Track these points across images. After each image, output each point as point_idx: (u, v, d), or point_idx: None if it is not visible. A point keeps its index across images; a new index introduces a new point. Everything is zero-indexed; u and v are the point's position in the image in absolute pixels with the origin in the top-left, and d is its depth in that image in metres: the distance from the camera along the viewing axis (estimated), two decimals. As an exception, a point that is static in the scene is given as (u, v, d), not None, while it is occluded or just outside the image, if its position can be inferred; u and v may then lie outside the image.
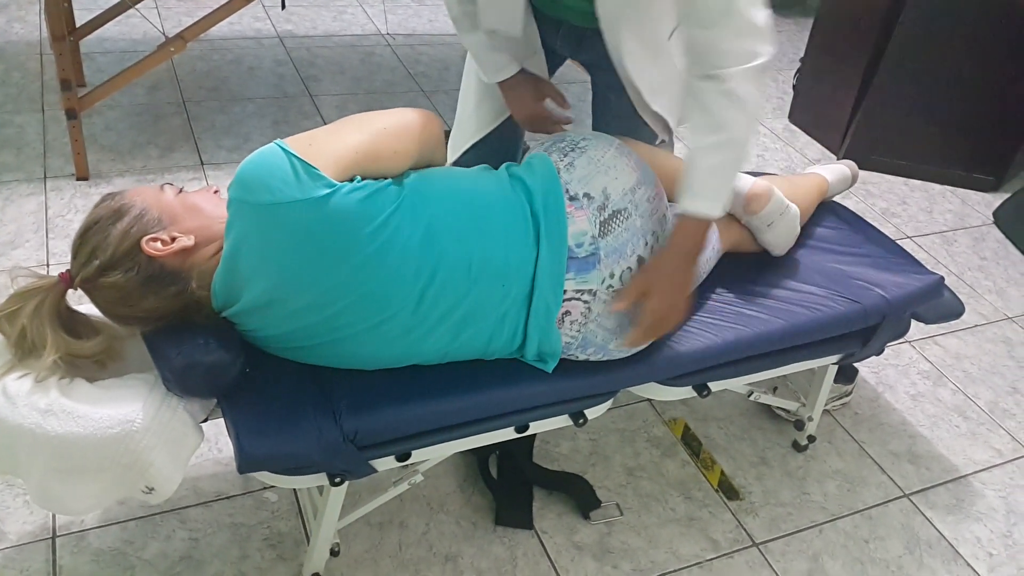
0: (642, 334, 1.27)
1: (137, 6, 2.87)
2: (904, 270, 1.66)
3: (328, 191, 1.07)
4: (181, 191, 1.18)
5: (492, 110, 1.61)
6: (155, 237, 1.10)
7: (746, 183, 1.56)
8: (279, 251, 1.08)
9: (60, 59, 2.20)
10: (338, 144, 1.13)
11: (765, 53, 1.18)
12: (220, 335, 1.13)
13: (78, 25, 2.71)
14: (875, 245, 1.74)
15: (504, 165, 1.32)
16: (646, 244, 1.26)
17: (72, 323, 1.16)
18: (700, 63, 1.19)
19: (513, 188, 1.24)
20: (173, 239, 1.11)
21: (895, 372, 2.11)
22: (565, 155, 1.28)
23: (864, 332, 1.59)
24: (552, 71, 1.59)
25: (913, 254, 1.75)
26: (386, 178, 1.16)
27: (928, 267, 1.69)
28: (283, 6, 2.95)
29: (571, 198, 1.23)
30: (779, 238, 1.61)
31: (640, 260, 1.25)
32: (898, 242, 1.75)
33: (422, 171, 1.23)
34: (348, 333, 1.15)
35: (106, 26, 2.78)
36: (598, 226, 1.22)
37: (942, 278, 1.65)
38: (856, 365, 1.98)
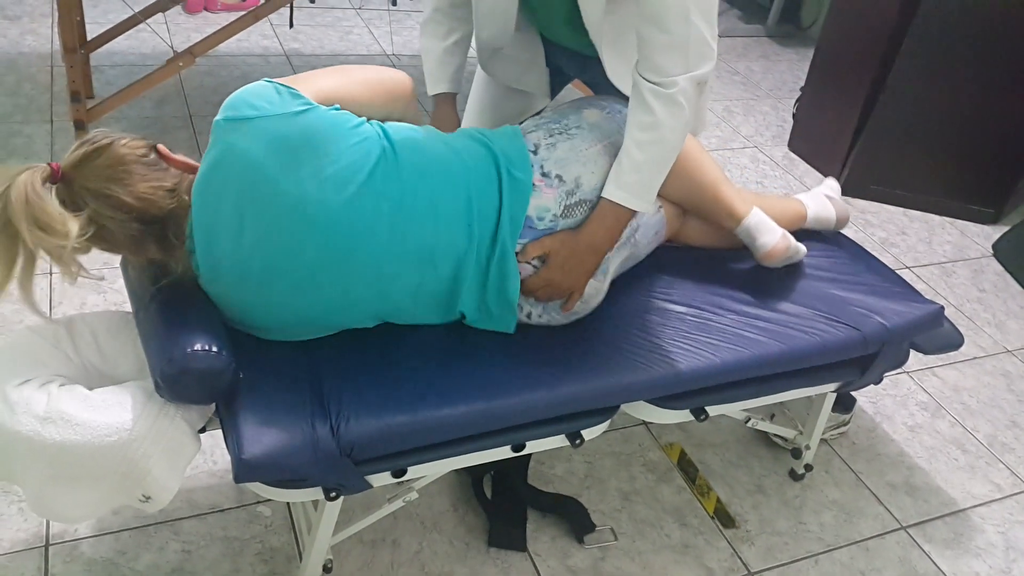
0: (534, 289, 1.31)
1: (147, 21, 2.90)
2: (904, 299, 1.66)
3: (307, 107, 1.16)
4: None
5: (493, 123, 1.64)
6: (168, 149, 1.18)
7: (767, 240, 1.58)
8: (257, 159, 1.12)
9: (71, 71, 2.22)
10: (321, 83, 1.23)
11: (709, 67, 1.25)
12: (212, 341, 1.13)
13: (89, 38, 2.74)
14: (875, 274, 1.74)
15: (466, 130, 1.37)
16: None
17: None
18: (649, 64, 1.24)
19: (482, 147, 1.30)
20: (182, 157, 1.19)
21: (893, 403, 2.10)
22: (551, 135, 1.33)
23: (863, 360, 1.59)
24: (556, 90, 1.62)
25: (912, 284, 1.75)
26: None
27: (925, 296, 1.70)
28: (291, 25, 2.99)
29: (543, 174, 1.29)
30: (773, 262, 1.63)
31: None
32: (897, 272, 1.75)
33: (390, 122, 1.30)
34: (319, 267, 1.16)
35: (116, 40, 2.81)
36: (562, 208, 1.29)
37: (942, 308, 1.65)
38: (854, 394, 1.97)
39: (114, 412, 1.09)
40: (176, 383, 1.10)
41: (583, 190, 1.29)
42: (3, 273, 1.05)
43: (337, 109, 1.20)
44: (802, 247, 1.62)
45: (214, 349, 1.12)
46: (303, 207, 1.14)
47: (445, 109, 1.58)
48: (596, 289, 1.37)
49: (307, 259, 1.16)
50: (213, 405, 1.20)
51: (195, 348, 1.10)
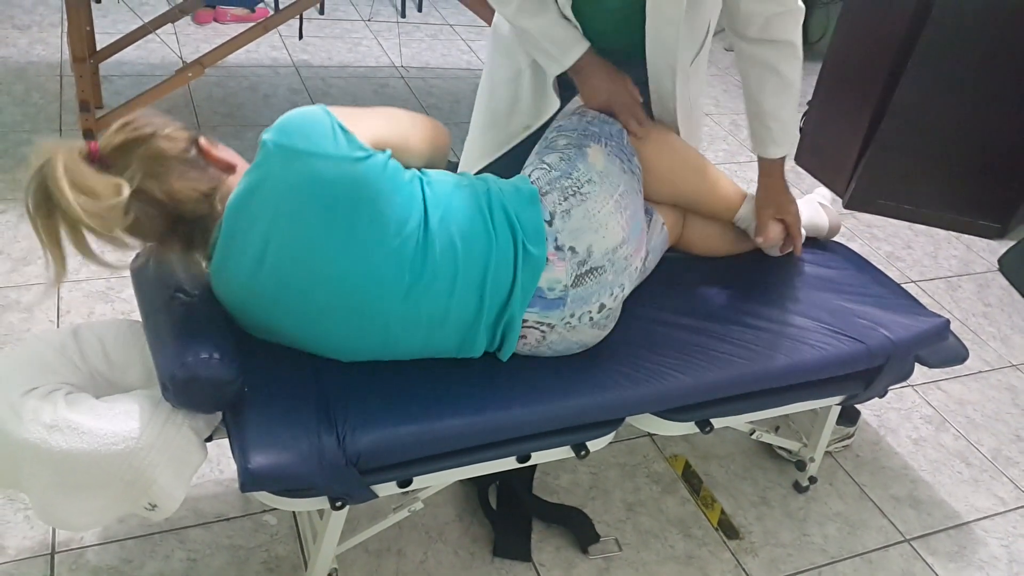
0: (798, 238, 1.65)
1: (156, 31, 2.93)
2: (909, 312, 1.66)
3: (362, 155, 1.14)
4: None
5: (496, 140, 1.64)
6: (210, 142, 1.16)
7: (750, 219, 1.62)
8: (296, 195, 1.11)
9: (80, 81, 2.24)
10: (375, 124, 1.21)
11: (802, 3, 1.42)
12: (223, 350, 1.14)
13: (99, 48, 2.76)
14: (880, 287, 1.74)
15: (495, 190, 1.30)
16: (610, 294, 1.33)
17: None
18: (769, 33, 1.43)
19: (501, 219, 1.26)
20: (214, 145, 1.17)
21: (897, 416, 2.10)
22: (565, 199, 1.30)
23: (868, 373, 1.59)
24: (564, 102, 1.63)
25: (917, 298, 1.76)
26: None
27: (931, 309, 1.70)
28: (300, 36, 3.01)
29: (557, 247, 1.27)
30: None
31: (601, 306, 1.32)
32: (903, 286, 1.76)
33: (428, 173, 1.29)
34: (328, 311, 1.17)
35: (125, 50, 2.83)
36: (573, 278, 1.28)
37: (947, 321, 1.65)
38: (858, 407, 1.98)
39: (121, 421, 1.10)
40: (185, 389, 1.11)
41: (594, 258, 1.29)
42: (56, 254, 1.05)
43: (388, 155, 1.19)
44: (802, 229, 1.67)
45: (225, 358, 1.12)
46: (327, 258, 1.14)
47: (596, 67, 1.49)
48: (599, 337, 1.38)
49: (317, 304, 1.17)
50: (220, 415, 1.21)
51: (206, 355, 1.11)
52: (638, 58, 1.50)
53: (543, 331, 1.30)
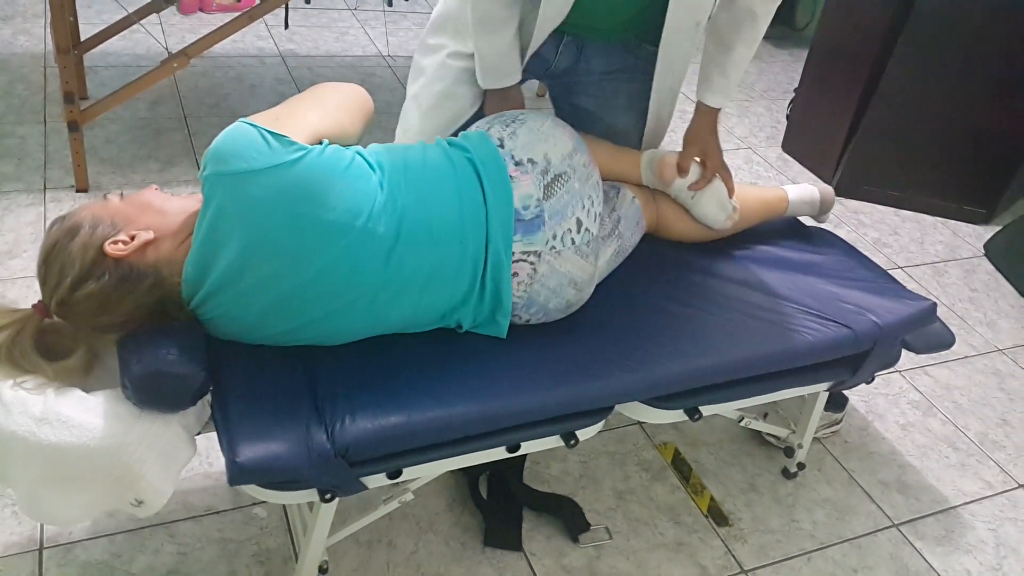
0: (731, 181, 1.65)
1: (141, 21, 2.90)
2: (896, 296, 1.67)
3: (299, 154, 1.13)
4: (123, 195, 1.21)
5: (441, 119, 1.65)
6: (115, 239, 1.13)
7: (658, 156, 1.63)
8: (255, 215, 1.11)
9: (64, 72, 2.21)
10: (302, 119, 1.21)
11: None
12: (185, 346, 1.13)
13: (83, 39, 2.73)
14: (867, 271, 1.75)
15: (438, 139, 1.38)
16: (583, 207, 1.34)
17: (51, 345, 1.16)
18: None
19: (455, 152, 1.32)
20: (132, 237, 1.13)
21: (885, 401, 2.12)
22: (507, 126, 1.37)
23: (855, 359, 1.60)
24: None
25: (904, 283, 1.77)
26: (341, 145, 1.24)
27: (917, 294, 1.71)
28: (286, 26, 2.99)
29: (516, 163, 1.31)
30: (707, 212, 1.66)
31: (579, 222, 1.33)
32: (889, 272, 1.77)
33: (372, 145, 1.30)
34: (317, 307, 1.18)
35: (110, 40, 2.80)
36: (542, 189, 1.31)
37: (934, 304, 1.66)
38: (846, 393, 1.99)
39: (110, 415, 1.10)
40: (142, 385, 1.09)
41: (554, 165, 1.33)
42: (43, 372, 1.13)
43: (325, 145, 1.19)
44: (712, 185, 1.66)
45: (184, 354, 1.12)
46: (303, 258, 1.14)
47: (513, 95, 1.60)
48: (588, 272, 1.38)
49: (304, 301, 1.17)
50: (209, 410, 1.20)
51: (164, 351, 1.11)
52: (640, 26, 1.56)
53: (531, 262, 1.30)
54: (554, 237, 1.31)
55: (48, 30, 3.19)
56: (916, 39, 2.73)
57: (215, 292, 1.15)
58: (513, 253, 1.28)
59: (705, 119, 1.63)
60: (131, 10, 2.73)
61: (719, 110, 1.62)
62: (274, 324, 1.20)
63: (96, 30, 2.75)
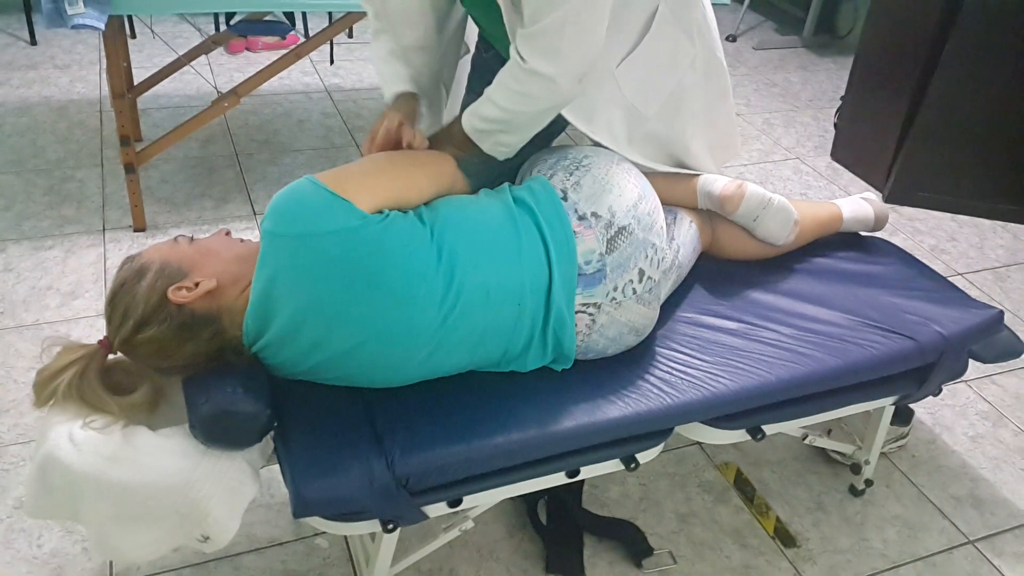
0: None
1: (191, 63, 2.98)
2: (959, 305, 1.62)
3: (359, 222, 1.12)
4: (193, 239, 1.23)
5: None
6: (179, 286, 1.14)
7: (718, 186, 1.58)
8: (311, 280, 1.11)
9: (119, 116, 2.28)
10: (370, 184, 1.19)
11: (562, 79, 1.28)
12: (250, 386, 1.15)
13: (136, 83, 2.82)
14: (927, 280, 1.71)
15: (506, 187, 1.37)
16: (646, 256, 1.31)
17: (116, 381, 1.19)
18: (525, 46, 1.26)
19: (520, 211, 1.30)
20: (196, 284, 1.15)
21: (952, 413, 2.05)
22: (571, 174, 1.34)
23: (921, 371, 1.55)
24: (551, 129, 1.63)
25: (966, 291, 1.72)
26: (404, 210, 1.23)
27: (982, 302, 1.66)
28: (331, 61, 3.04)
29: (580, 217, 1.29)
30: (771, 232, 1.63)
31: (641, 272, 1.31)
32: (950, 279, 1.72)
33: (435, 202, 1.29)
34: (373, 360, 1.18)
35: (162, 83, 2.89)
36: (605, 243, 1.28)
37: (1001, 312, 1.61)
38: (912, 406, 1.93)
39: (177, 454, 1.12)
40: (211, 424, 1.11)
41: (618, 217, 1.30)
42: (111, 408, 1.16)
43: (386, 215, 1.17)
44: (778, 197, 1.61)
45: (250, 393, 1.13)
46: (357, 323, 1.14)
47: (402, 109, 1.45)
48: (649, 318, 1.37)
49: (359, 358, 1.18)
50: (272, 444, 1.22)
51: (230, 389, 1.12)
52: None
53: (591, 314, 1.29)
54: (615, 289, 1.29)
55: (103, 76, 3.30)
56: (965, 40, 2.67)
57: (272, 345, 1.17)
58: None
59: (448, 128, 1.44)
60: (181, 52, 2.81)
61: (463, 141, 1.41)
62: (331, 374, 1.22)
63: (148, 73, 2.83)
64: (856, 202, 1.82)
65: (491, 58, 1.57)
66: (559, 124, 1.56)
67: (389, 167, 1.26)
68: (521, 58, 1.26)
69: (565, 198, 1.31)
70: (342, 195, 1.13)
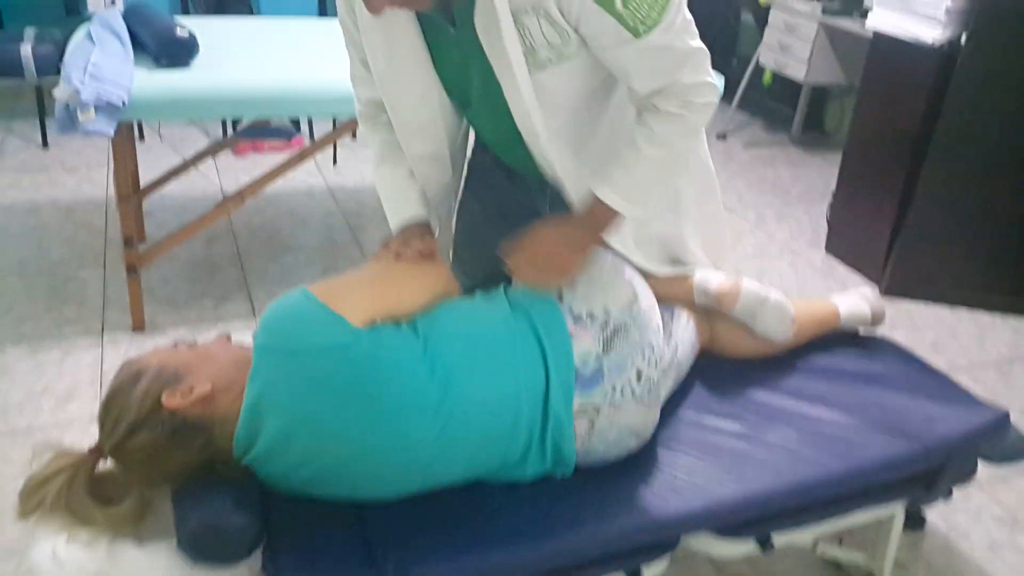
0: (521, 257, 1.31)
1: (197, 165, 3.04)
2: (964, 405, 1.60)
3: (350, 339, 1.11)
4: (193, 345, 1.22)
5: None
6: (174, 390, 1.13)
7: (714, 282, 1.58)
8: (301, 396, 1.10)
9: (124, 218, 2.31)
10: (361, 297, 1.19)
11: (714, 79, 1.26)
12: (240, 499, 1.13)
13: (142, 185, 2.87)
14: (930, 379, 1.69)
15: (502, 289, 1.37)
16: (643, 356, 1.30)
17: (105, 490, 1.16)
18: (667, 96, 1.24)
19: (516, 317, 1.29)
20: (191, 389, 1.13)
21: (967, 518, 1.99)
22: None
23: (928, 475, 1.52)
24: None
25: (970, 388, 1.69)
26: (398, 321, 1.22)
27: (988, 401, 1.63)
28: (335, 162, 3.10)
29: (575, 318, 1.28)
30: (769, 328, 1.62)
31: (639, 372, 1.29)
32: (953, 376, 1.70)
33: (430, 312, 1.27)
34: (368, 473, 1.16)
35: (168, 184, 2.94)
36: (601, 344, 1.28)
37: (1007, 413, 1.58)
38: (924, 510, 1.88)
39: (162, 571, 1.08)
40: (199, 542, 1.08)
41: (614, 316, 1.30)
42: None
43: (378, 330, 1.17)
44: (776, 293, 1.61)
45: (241, 508, 1.11)
46: (348, 438, 1.13)
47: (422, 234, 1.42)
48: (650, 420, 1.35)
49: (354, 474, 1.17)
50: (260, 563, 1.18)
51: (219, 505, 1.10)
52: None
53: (590, 417, 1.26)
54: (613, 390, 1.27)
55: (110, 177, 3.36)
56: (949, 135, 2.72)
57: (262, 458, 1.15)
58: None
59: (575, 219, 1.35)
60: (187, 153, 2.87)
61: (613, 214, 1.32)
62: (325, 487, 1.20)
63: (155, 174, 2.89)
64: (852, 299, 1.82)
65: (490, 160, 1.60)
66: None
67: (383, 279, 1.26)
68: (654, 107, 1.25)
69: (560, 298, 1.31)
70: (334, 308, 1.13)
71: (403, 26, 1.25)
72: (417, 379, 1.15)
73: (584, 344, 1.27)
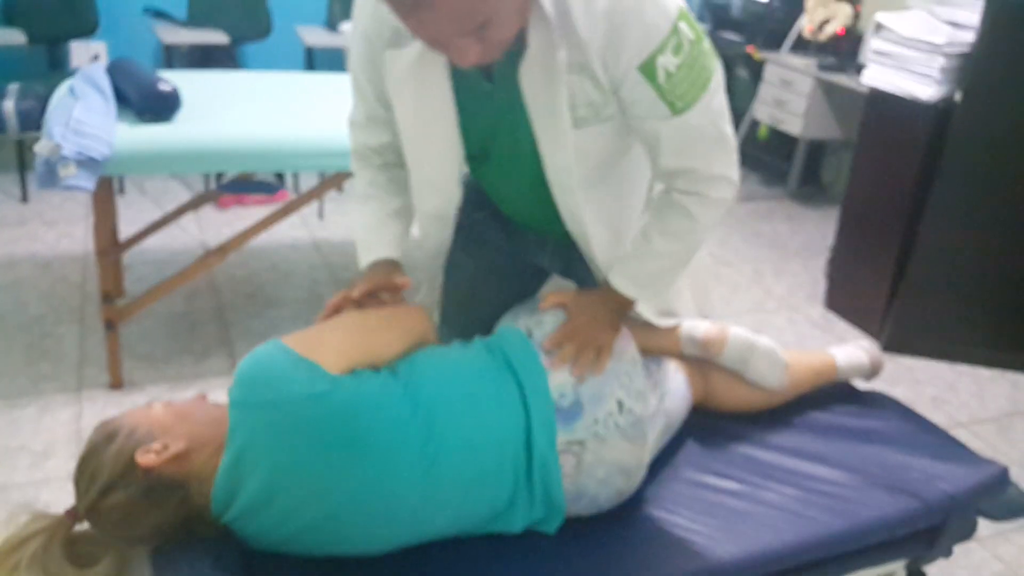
0: (560, 335, 1.31)
1: (178, 219, 3.01)
2: (963, 462, 1.56)
3: (327, 387, 1.10)
4: (168, 404, 1.20)
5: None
6: (147, 449, 1.10)
7: (700, 330, 1.56)
8: (281, 449, 1.08)
9: (103, 273, 2.27)
10: (337, 345, 1.17)
11: (736, 175, 1.28)
12: (219, 561, 1.09)
13: (122, 239, 2.83)
14: (929, 436, 1.65)
15: (477, 339, 1.37)
16: (621, 385, 1.29)
17: (82, 552, 1.12)
18: (688, 180, 1.26)
19: (492, 356, 1.28)
20: (165, 447, 1.11)
21: (967, 574, 1.94)
22: (533, 314, 1.36)
23: (929, 532, 1.47)
24: (534, 289, 1.61)
25: (970, 444, 1.66)
26: (377, 367, 1.21)
27: (987, 457, 1.60)
28: (320, 215, 3.08)
29: (546, 352, 1.28)
30: (761, 374, 1.59)
31: (620, 403, 1.28)
32: (952, 431, 1.66)
33: (410, 356, 1.26)
34: (354, 523, 1.13)
35: (148, 238, 2.90)
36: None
37: (1006, 469, 1.55)
38: (924, 569, 1.82)
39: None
40: None
41: None
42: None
43: (356, 376, 1.15)
44: (764, 339, 1.59)
45: (218, 568, 1.07)
46: (330, 489, 1.11)
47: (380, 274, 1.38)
48: (637, 458, 1.31)
49: (336, 524, 1.13)
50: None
51: (198, 566, 1.06)
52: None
53: (575, 452, 1.24)
54: (595, 422, 1.25)
55: (89, 231, 3.32)
56: (949, 188, 2.72)
57: (243, 516, 1.12)
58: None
59: (600, 295, 1.38)
60: (169, 207, 2.84)
61: (627, 301, 1.36)
62: (309, 543, 1.15)
63: (135, 228, 2.86)
64: (850, 349, 1.80)
65: (486, 216, 1.57)
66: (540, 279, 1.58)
67: (359, 326, 1.24)
68: (685, 192, 1.26)
69: (531, 335, 1.31)
70: (310, 358, 1.11)
71: (436, 80, 1.22)
72: (399, 419, 1.13)
73: (558, 377, 1.26)
